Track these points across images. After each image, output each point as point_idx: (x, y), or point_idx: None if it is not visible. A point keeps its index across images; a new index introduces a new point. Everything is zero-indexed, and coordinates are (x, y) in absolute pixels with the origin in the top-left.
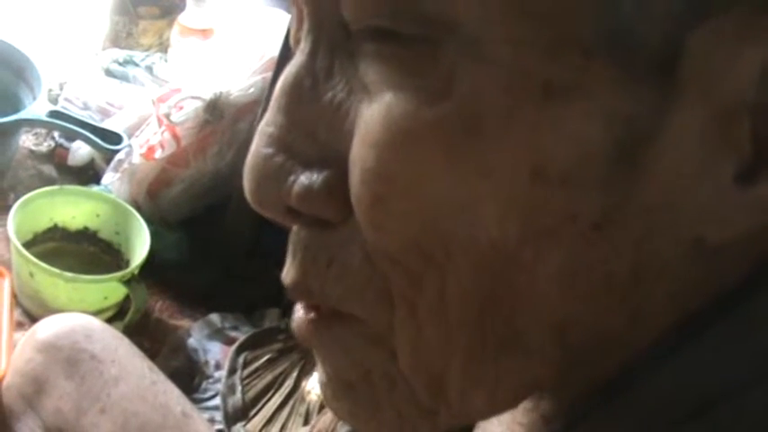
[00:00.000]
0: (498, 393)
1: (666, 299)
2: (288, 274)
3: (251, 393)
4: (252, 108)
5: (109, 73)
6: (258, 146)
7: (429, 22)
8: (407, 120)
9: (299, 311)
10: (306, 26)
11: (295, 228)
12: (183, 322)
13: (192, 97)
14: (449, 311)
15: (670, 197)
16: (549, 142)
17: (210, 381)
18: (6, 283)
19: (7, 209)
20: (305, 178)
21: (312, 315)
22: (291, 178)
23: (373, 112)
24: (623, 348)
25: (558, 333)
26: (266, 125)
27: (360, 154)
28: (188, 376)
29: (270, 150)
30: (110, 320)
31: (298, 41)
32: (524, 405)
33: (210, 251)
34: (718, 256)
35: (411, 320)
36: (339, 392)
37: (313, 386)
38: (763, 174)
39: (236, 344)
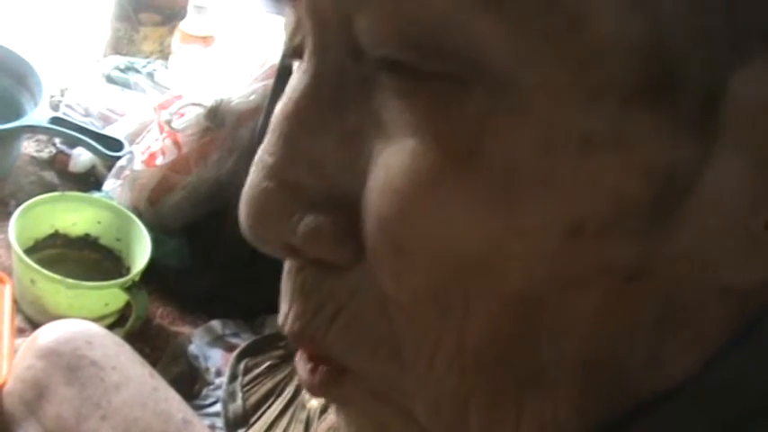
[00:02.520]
0: None
1: (688, 344)
2: (285, 321)
3: (252, 400)
4: (253, 115)
5: (110, 80)
6: (257, 177)
7: (456, 58)
8: (432, 173)
9: (302, 368)
10: (310, 44)
11: (288, 267)
12: (184, 329)
13: (194, 104)
14: (466, 359)
15: (703, 247)
16: (587, 198)
17: (211, 387)
18: (7, 290)
19: (8, 215)
20: (312, 219)
21: (317, 373)
22: (296, 217)
23: (394, 159)
24: (643, 391)
25: (581, 371)
26: (266, 154)
27: (377, 201)
28: (189, 383)
29: (270, 184)
30: (111, 327)
31: (294, 51)
32: None
33: (212, 258)
34: (744, 297)
35: (428, 374)
36: None
37: None
38: None
39: (237, 351)
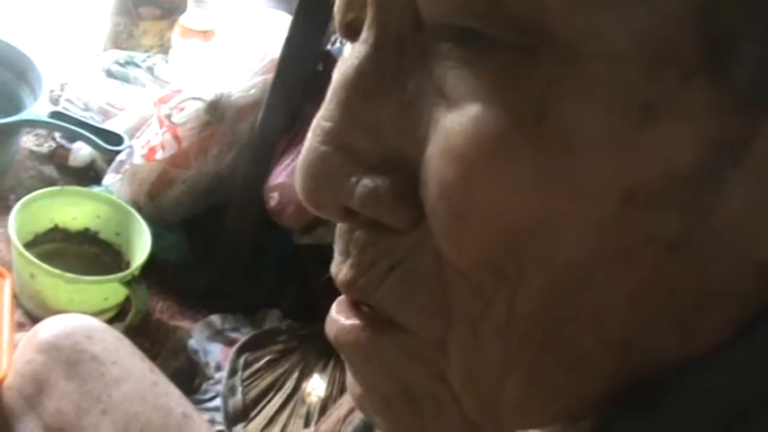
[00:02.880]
0: (553, 411)
1: (721, 321)
2: (339, 271)
3: (251, 394)
4: (253, 109)
5: (110, 74)
6: (314, 142)
7: (522, 25)
8: (497, 137)
9: (338, 316)
10: (370, 14)
11: (344, 224)
12: (184, 323)
13: (193, 98)
14: (513, 331)
15: (745, 221)
16: (643, 165)
17: (211, 382)
18: (7, 284)
19: (8, 210)
20: (369, 181)
21: (356, 322)
22: (353, 179)
23: (457, 124)
24: (668, 370)
25: (620, 353)
26: (323, 120)
27: (439, 166)
28: (188, 377)
29: (327, 148)
30: (110, 321)
31: (346, 27)
32: None
33: (211, 252)
34: None
35: (471, 340)
36: (378, 407)
37: (313, 387)
38: None
39: (237, 345)
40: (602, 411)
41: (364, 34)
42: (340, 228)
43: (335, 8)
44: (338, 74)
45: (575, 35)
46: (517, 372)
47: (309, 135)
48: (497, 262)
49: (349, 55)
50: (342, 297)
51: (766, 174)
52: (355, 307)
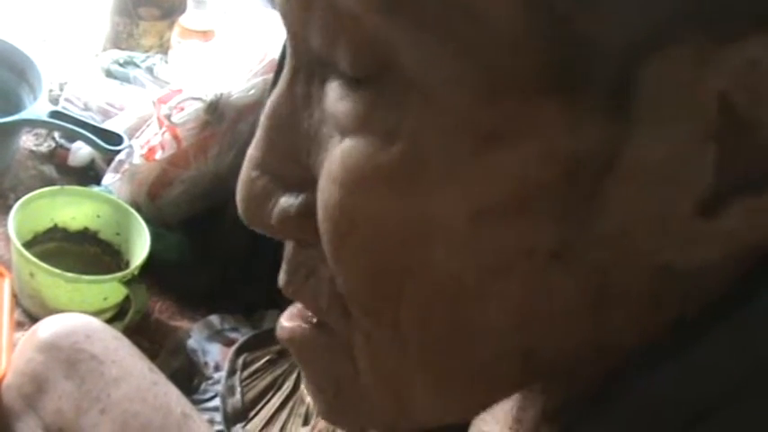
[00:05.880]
0: (466, 409)
1: (631, 318)
2: (280, 279)
3: (250, 394)
4: (252, 109)
5: (109, 74)
6: (246, 167)
7: (372, 62)
8: (361, 163)
9: (282, 320)
10: (289, 48)
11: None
12: (183, 323)
13: (193, 98)
14: (407, 341)
15: (629, 227)
16: (488, 187)
17: (210, 382)
18: (7, 284)
19: (7, 209)
20: (284, 201)
21: (294, 324)
22: (273, 200)
23: (336, 153)
24: (600, 362)
25: (522, 359)
26: (253, 148)
27: (323, 190)
28: (187, 377)
29: (255, 173)
30: (110, 321)
31: None
32: (521, 402)
33: (211, 252)
34: (694, 278)
35: (370, 348)
36: (315, 394)
37: None
38: (727, 206)
39: (236, 345)
40: (568, 414)
41: (285, 67)
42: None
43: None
44: (265, 106)
45: (416, 65)
46: (422, 377)
47: (245, 161)
48: (377, 282)
49: (274, 89)
50: (292, 305)
51: (640, 181)
52: (298, 314)
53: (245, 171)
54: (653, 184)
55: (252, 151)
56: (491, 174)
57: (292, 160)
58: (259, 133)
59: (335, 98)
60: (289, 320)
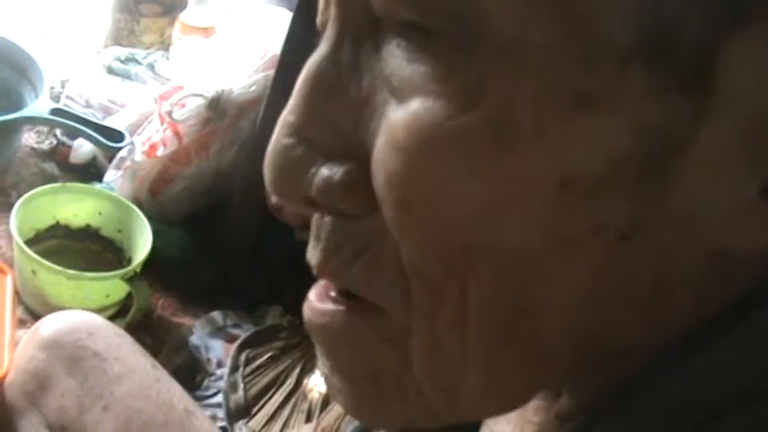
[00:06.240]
0: (510, 401)
1: (685, 307)
2: (312, 256)
3: (253, 391)
4: (254, 106)
5: (111, 71)
6: (279, 135)
7: (460, 17)
8: (435, 128)
9: (314, 299)
10: (332, 13)
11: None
12: (186, 320)
13: (194, 95)
14: (468, 324)
15: (697, 208)
16: (579, 154)
17: (212, 378)
18: (9, 281)
19: (9, 206)
20: (326, 170)
21: (330, 306)
22: (313, 170)
23: (400, 117)
24: (639, 352)
25: (579, 343)
26: (288, 114)
27: (385, 156)
28: (190, 374)
29: (291, 140)
30: (112, 318)
31: (324, 24)
32: (536, 403)
33: (212, 249)
34: (740, 266)
35: (428, 331)
36: (343, 387)
37: (315, 384)
38: None
39: (239, 342)
40: (587, 413)
41: (327, 32)
42: (313, 217)
43: (318, 4)
44: (304, 69)
45: (510, 27)
46: (475, 366)
47: (276, 128)
48: (444, 252)
49: (315, 52)
50: (321, 282)
51: (711, 163)
52: (331, 295)
53: (278, 138)
54: (722, 166)
55: (288, 117)
56: (579, 140)
57: (334, 129)
58: (296, 99)
59: (400, 61)
60: (320, 301)
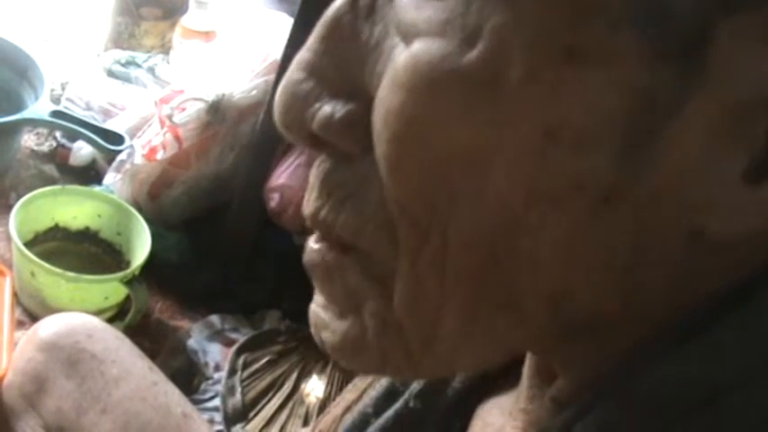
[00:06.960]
0: (485, 352)
1: (662, 286)
2: (306, 206)
3: (250, 395)
4: (254, 110)
5: (111, 74)
6: (292, 69)
7: None
8: (433, 67)
9: (310, 242)
10: None
11: (317, 162)
12: (184, 323)
13: (195, 99)
14: (448, 266)
15: (678, 182)
16: (566, 105)
17: (210, 382)
18: (7, 282)
19: (9, 208)
20: (329, 107)
21: (324, 244)
22: (317, 105)
23: (403, 58)
24: (625, 335)
25: (554, 304)
26: (304, 51)
27: (386, 95)
28: (188, 377)
29: (302, 75)
30: (110, 321)
31: None
32: (528, 391)
33: (211, 253)
34: (728, 251)
35: (411, 271)
36: (332, 322)
37: (312, 388)
38: None
39: (236, 345)
40: (581, 399)
41: None
42: (312, 168)
43: None
44: (324, 14)
45: None
46: (454, 308)
47: (292, 64)
48: (429, 192)
49: None
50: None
51: (694, 138)
52: (324, 238)
53: (290, 73)
54: (705, 141)
55: (303, 53)
56: (566, 92)
57: (344, 70)
58: (314, 38)
59: (409, 7)
60: (316, 242)
